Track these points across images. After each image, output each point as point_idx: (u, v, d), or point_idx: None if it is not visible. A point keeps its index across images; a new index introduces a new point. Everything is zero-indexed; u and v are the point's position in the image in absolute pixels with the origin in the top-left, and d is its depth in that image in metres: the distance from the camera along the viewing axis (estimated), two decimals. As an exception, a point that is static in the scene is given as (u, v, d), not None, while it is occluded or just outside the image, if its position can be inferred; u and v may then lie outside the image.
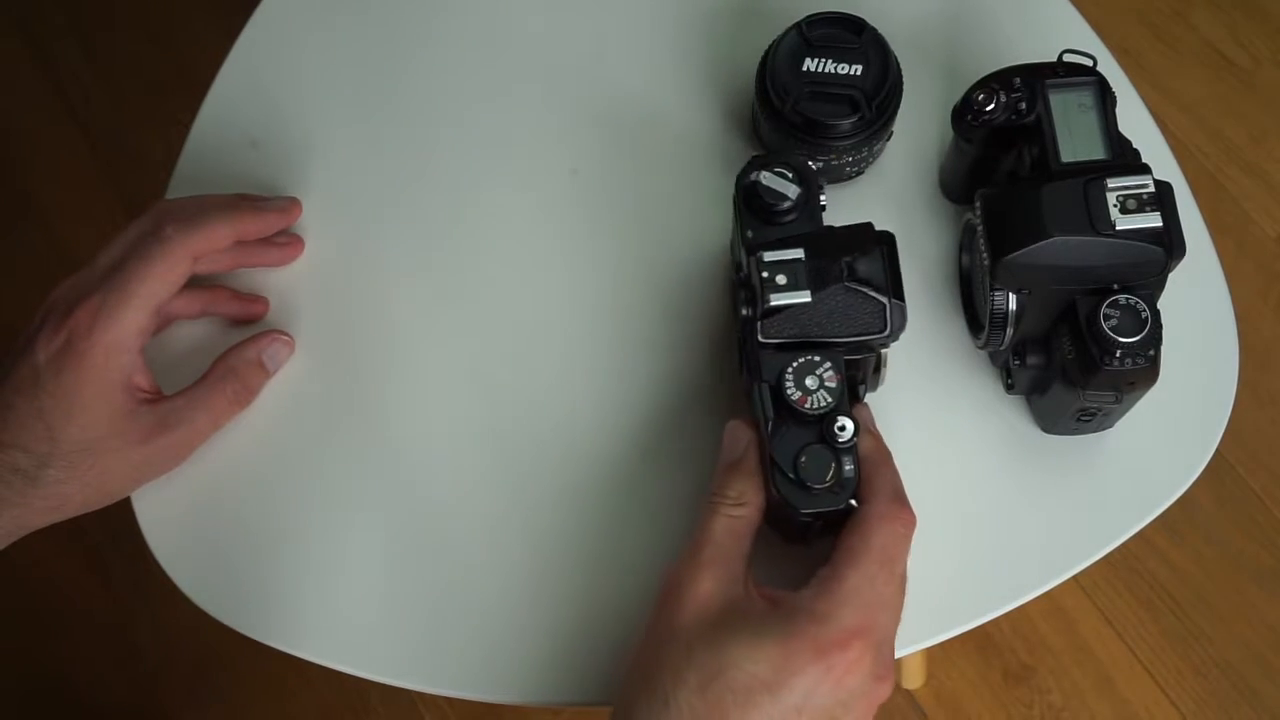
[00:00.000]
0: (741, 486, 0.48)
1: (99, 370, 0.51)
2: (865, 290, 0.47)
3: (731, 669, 0.42)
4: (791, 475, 0.45)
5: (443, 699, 1.12)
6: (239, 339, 0.57)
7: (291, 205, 0.60)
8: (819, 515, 0.47)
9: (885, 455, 0.48)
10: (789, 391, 0.46)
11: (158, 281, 0.52)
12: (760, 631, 0.43)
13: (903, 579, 0.46)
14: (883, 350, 0.49)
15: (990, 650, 1.11)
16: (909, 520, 0.46)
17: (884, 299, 0.47)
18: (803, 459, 0.45)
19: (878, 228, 0.48)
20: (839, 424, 0.45)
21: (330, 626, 0.55)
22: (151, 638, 1.17)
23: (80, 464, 0.51)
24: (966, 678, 1.11)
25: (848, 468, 0.45)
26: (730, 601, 0.44)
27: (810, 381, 0.46)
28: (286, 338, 0.58)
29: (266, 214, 0.58)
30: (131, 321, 0.51)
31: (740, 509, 0.47)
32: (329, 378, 0.59)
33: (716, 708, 0.42)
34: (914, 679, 1.10)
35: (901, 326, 0.47)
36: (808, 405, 0.46)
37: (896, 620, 0.45)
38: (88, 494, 0.52)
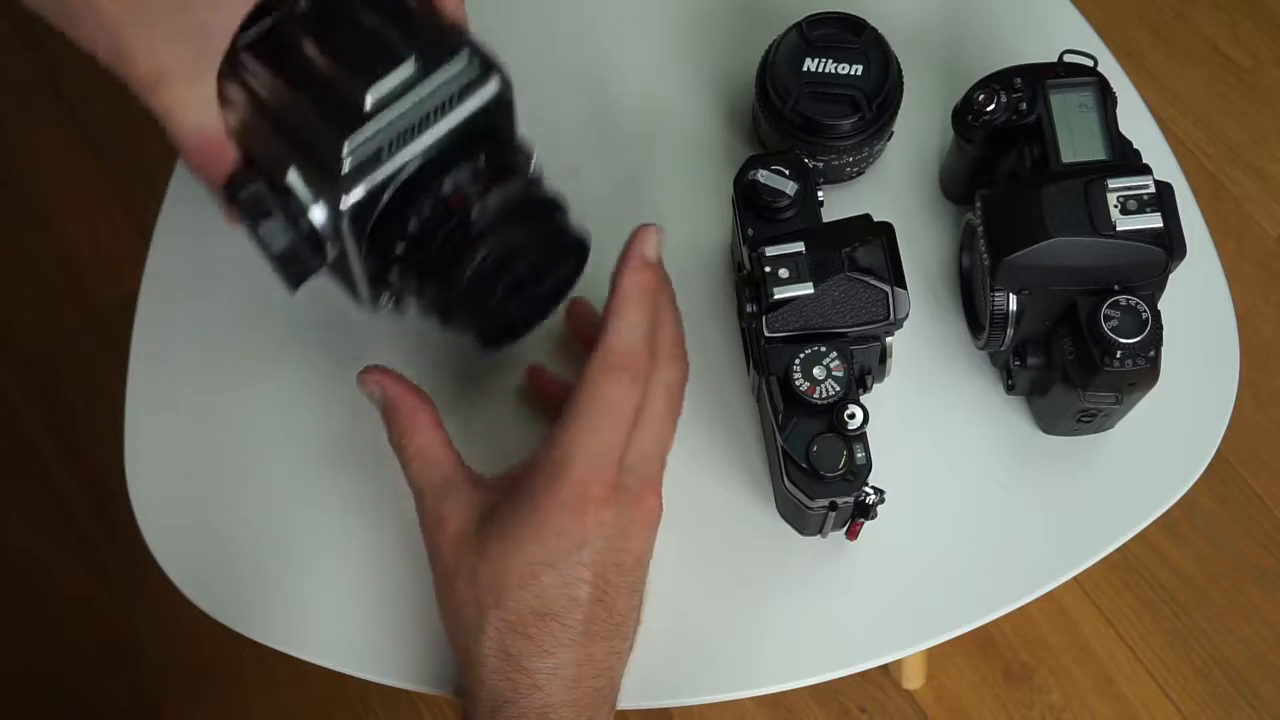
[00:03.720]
0: (401, 426, 0.48)
1: None
2: (867, 279, 0.47)
3: (510, 571, 0.44)
4: (804, 465, 0.46)
5: (443, 699, 1.12)
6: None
7: None
8: (832, 504, 0.48)
9: (639, 290, 0.47)
10: (797, 382, 0.46)
11: None
12: (511, 524, 0.45)
13: (626, 420, 0.45)
14: (888, 340, 0.49)
15: (991, 650, 1.11)
16: (639, 366, 0.45)
17: (886, 287, 0.47)
18: (814, 448, 0.46)
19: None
20: (848, 412, 0.46)
21: (330, 627, 0.55)
22: (151, 638, 1.17)
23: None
24: (967, 678, 1.11)
25: (859, 455, 0.46)
26: (478, 518, 0.46)
27: (818, 372, 0.46)
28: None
29: None
30: None
31: (417, 445, 0.48)
32: (330, 378, 0.59)
33: (519, 610, 0.44)
34: (914, 679, 1.10)
35: (905, 314, 0.48)
36: (816, 395, 0.46)
37: (649, 440, 0.46)
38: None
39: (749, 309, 0.48)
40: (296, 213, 0.44)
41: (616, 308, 0.46)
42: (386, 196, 0.44)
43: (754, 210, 0.50)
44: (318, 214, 0.44)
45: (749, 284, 0.49)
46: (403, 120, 0.44)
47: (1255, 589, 1.12)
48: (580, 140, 0.63)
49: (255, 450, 0.58)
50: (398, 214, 0.45)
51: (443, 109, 0.45)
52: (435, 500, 0.47)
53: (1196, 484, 0.55)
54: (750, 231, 0.50)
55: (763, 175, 0.50)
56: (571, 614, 0.45)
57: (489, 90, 0.45)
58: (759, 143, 0.61)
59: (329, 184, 0.43)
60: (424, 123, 0.44)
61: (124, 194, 1.31)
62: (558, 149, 0.62)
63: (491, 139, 0.46)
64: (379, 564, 0.55)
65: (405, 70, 0.44)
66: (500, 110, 0.46)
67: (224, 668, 1.15)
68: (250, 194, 0.44)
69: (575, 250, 0.48)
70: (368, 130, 0.43)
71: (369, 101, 0.43)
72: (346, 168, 0.43)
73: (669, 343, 0.48)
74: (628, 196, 0.61)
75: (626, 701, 0.51)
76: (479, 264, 0.45)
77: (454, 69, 0.45)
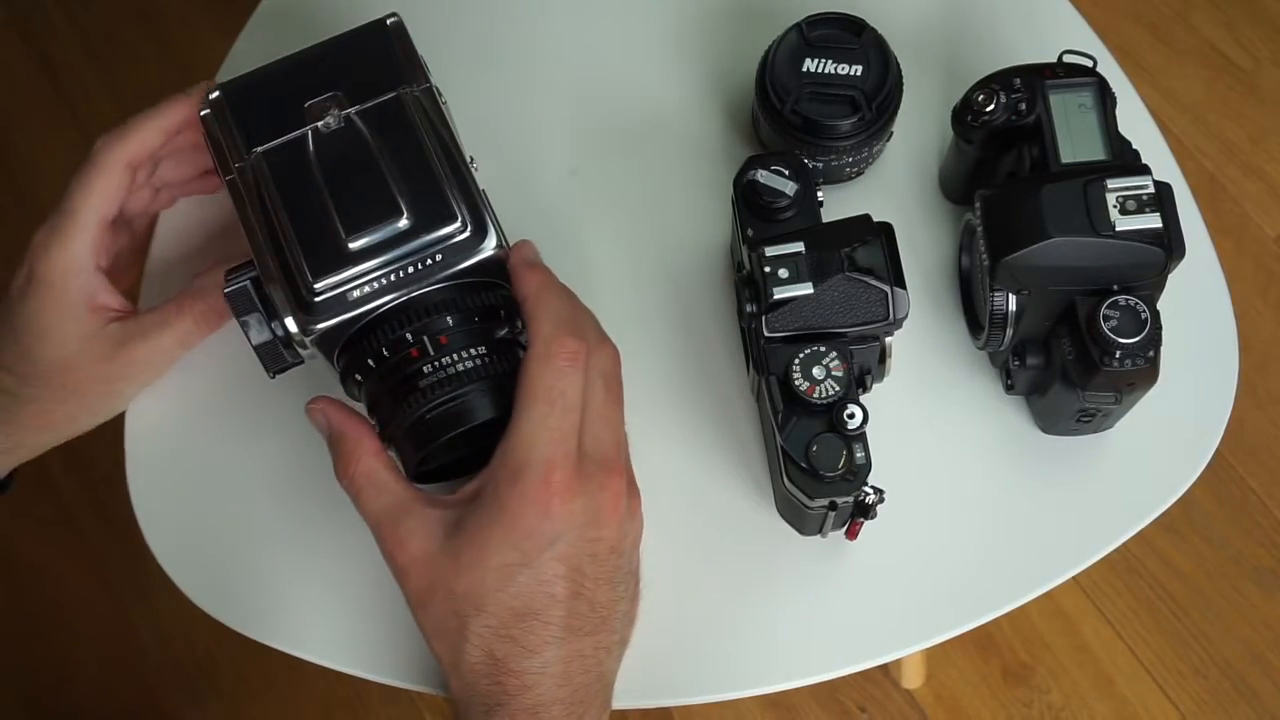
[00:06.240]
0: (346, 454, 0.48)
1: (59, 291, 0.53)
2: (866, 279, 0.47)
3: (486, 576, 0.44)
4: (804, 465, 0.46)
5: (443, 699, 1.12)
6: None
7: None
8: (831, 504, 0.48)
9: (546, 286, 0.48)
10: (797, 382, 0.46)
11: (96, 196, 0.53)
12: (480, 530, 0.45)
13: (574, 404, 0.45)
14: (887, 340, 0.49)
15: (990, 649, 1.11)
16: (574, 350, 0.46)
17: (885, 287, 0.47)
18: (814, 448, 0.46)
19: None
20: (848, 411, 0.46)
21: (330, 626, 0.55)
22: (151, 638, 1.17)
23: (56, 381, 0.53)
24: (966, 677, 1.11)
25: (859, 455, 0.46)
26: (442, 534, 0.46)
27: (817, 371, 0.46)
28: None
29: (191, 98, 0.55)
30: (80, 242, 0.53)
31: (364, 471, 0.47)
32: (332, 376, 0.59)
33: (499, 613, 0.44)
34: (914, 678, 1.10)
35: (904, 314, 0.48)
36: (816, 395, 0.46)
37: (599, 425, 0.46)
38: (70, 410, 0.55)
39: (749, 309, 0.48)
40: (274, 318, 0.47)
41: (532, 306, 0.47)
42: (355, 328, 0.47)
43: (754, 210, 0.50)
44: (292, 325, 0.47)
45: (749, 284, 0.49)
46: (383, 269, 0.47)
47: (1254, 588, 1.12)
48: (580, 140, 0.63)
49: (256, 451, 0.58)
50: (365, 342, 0.48)
51: (426, 265, 0.47)
52: (392, 524, 0.46)
53: (1195, 484, 0.55)
54: (750, 231, 0.50)
55: (762, 175, 0.50)
56: (551, 611, 0.45)
57: (477, 256, 0.47)
58: (759, 143, 0.61)
59: (302, 310, 0.46)
60: (404, 274, 0.47)
61: (124, 194, 1.31)
62: (558, 149, 0.63)
63: (471, 303, 0.48)
64: (379, 564, 0.55)
65: (395, 225, 0.46)
66: (489, 270, 0.48)
67: (224, 668, 1.15)
68: (239, 289, 0.48)
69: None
70: (345, 273, 0.46)
71: (351, 247, 0.46)
72: (319, 300, 0.46)
73: (590, 330, 0.49)
74: (628, 196, 0.61)
75: (626, 701, 0.51)
76: (419, 416, 0.47)
77: (444, 231, 0.47)
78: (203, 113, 0.51)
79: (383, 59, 0.50)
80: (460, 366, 0.47)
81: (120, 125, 0.54)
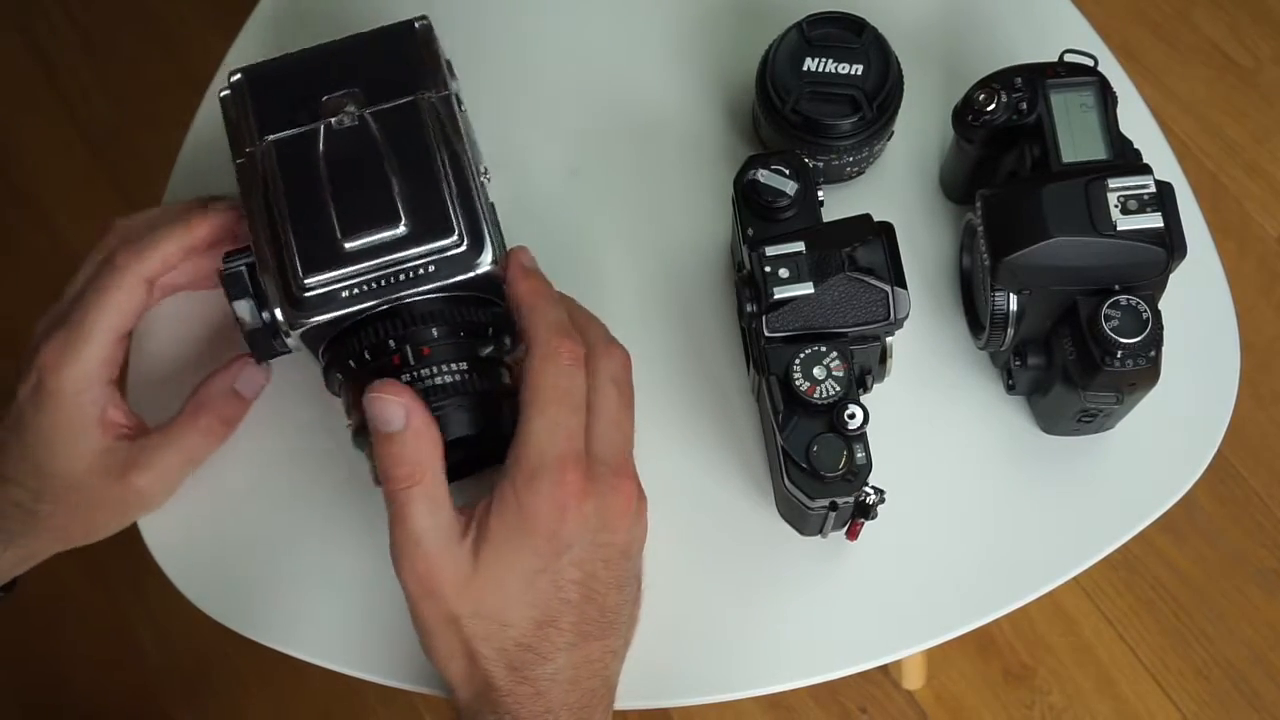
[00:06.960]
0: (425, 458, 0.44)
1: (70, 405, 0.51)
2: (867, 279, 0.47)
3: (510, 587, 0.44)
4: (804, 465, 0.46)
5: (442, 699, 1.12)
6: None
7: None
8: (832, 504, 0.47)
9: (540, 293, 0.47)
10: (797, 382, 0.46)
11: (114, 313, 0.52)
12: (503, 541, 0.44)
13: (580, 403, 0.45)
14: (888, 340, 0.49)
15: (991, 650, 1.11)
16: (573, 350, 0.46)
17: (886, 287, 0.47)
18: (814, 449, 0.46)
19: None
20: (849, 412, 0.46)
21: (329, 627, 0.55)
22: (151, 638, 1.17)
23: (68, 499, 0.52)
24: (967, 678, 1.11)
25: (859, 455, 0.46)
26: (473, 556, 0.44)
27: (818, 372, 0.46)
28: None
29: (218, 215, 0.54)
30: (93, 356, 0.51)
31: (434, 482, 0.44)
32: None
33: (522, 624, 0.44)
34: (914, 679, 1.10)
35: (905, 313, 0.47)
36: (816, 395, 0.46)
37: (610, 429, 0.46)
38: (84, 527, 0.54)
39: (749, 309, 0.48)
40: (265, 307, 0.48)
41: (528, 311, 0.47)
42: (341, 327, 0.47)
43: (754, 210, 0.50)
44: (280, 315, 0.47)
45: (749, 284, 0.49)
46: (375, 273, 0.47)
47: (1255, 589, 1.12)
48: (580, 140, 0.62)
49: (255, 451, 0.58)
50: (349, 342, 0.48)
51: (418, 274, 0.47)
52: (433, 547, 0.44)
53: (1197, 484, 0.55)
54: (750, 231, 0.50)
55: (763, 175, 0.50)
56: (565, 617, 0.45)
57: (470, 271, 0.47)
58: (759, 143, 0.61)
59: (290, 304, 0.47)
60: (394, 281, 0.47)
61: (124, 193, 1.31)
62: (558, 149, 0.63)
63: (459, 317, 0.48)
64: (378, 564, 0.55)
65: (392, 231, 0.46)
66: (482, 286, 0.48)
67: (224, 668, 1.15)
68: (234, 273, 0.48)
69: (489, 441, 0.48)
70: (337, 273, 0.46)
71: (346, 248, 0.46)
72: (307, 296, 0.46)
73: (596, 334, 0.48)
74: (628, 197, 0.61)
75: (626, 701, 0.51)
76: None
77: (439, 243, 0.47)
78: (222, 94, 0.50)
79: (405, 61, 0.50)
80: (438, 380, 0.47)
81: (144, 240, 0.53)
